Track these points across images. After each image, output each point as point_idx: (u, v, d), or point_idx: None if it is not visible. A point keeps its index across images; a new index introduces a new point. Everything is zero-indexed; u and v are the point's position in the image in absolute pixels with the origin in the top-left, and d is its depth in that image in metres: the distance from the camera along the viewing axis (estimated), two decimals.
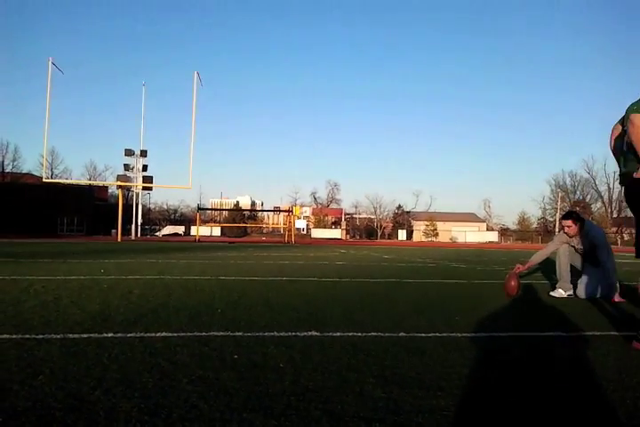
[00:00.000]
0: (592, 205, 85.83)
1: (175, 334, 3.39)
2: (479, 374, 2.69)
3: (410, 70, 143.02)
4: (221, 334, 3.46)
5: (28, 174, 64.24)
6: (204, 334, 3.45)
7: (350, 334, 3.58)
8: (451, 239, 76.49)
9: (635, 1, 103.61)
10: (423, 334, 3.62)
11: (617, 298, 5.88)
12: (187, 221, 79.38)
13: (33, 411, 1.96)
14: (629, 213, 3.74)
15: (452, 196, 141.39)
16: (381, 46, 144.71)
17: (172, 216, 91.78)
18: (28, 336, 3.22)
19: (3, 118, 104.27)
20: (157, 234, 62.44)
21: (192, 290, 5.91)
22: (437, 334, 3.64)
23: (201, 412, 2.00)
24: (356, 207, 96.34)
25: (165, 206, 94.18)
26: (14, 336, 3.22)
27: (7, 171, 64.57)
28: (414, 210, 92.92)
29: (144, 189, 43.93)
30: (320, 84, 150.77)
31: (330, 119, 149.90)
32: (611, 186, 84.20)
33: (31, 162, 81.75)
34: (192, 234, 54.15)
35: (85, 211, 59.09)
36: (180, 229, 68.40)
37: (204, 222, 69.01)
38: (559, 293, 6.23)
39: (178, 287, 6.12)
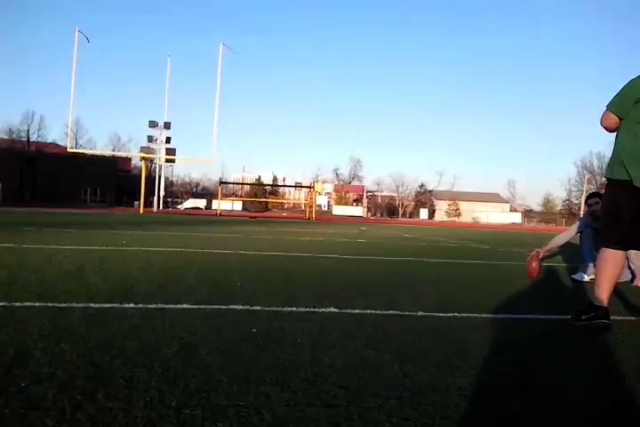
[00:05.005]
0: None
1: (195, 307, 3.42)
2: (496, 354, 2.68)
3: (435, 51, 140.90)
4: (241, 307, 3.48)
5: (53, 144, 64.82)
6: (223, 307, 3.47)
7: (369, 311, 3.58)
8: (473, 220, 76.10)
9: None
10: (442, 314, 3.61)
11: None
12: (208, 194, 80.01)
13: (55, 377, 2.00)
14: None
15: (477, 176, 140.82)
16: (410, 26, 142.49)
17: (194, 189, 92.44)
18: (50, 304, 3.27)
19: (29, 87, 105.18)
20: (179, 207, 62.98)
21: (213, 263, 5.96)
22: (456, 314, 3.62)
23: (219, 383, 2.02)
24: (378, 185, 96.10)
25: (188, 179, 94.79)
26: (37, 304, 3.26)
27: (32, 140, 65.00)
28: (437, 189, 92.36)
29: (167, 161, 44.22)
30: (346, 61, 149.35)
31: (355, 96, 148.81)
32: None
33: (56, 132, 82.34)
34: (214, 208, 54.40)
35: (109, 182, 59.68)
36: (202, 203, 68.84)
37: (225, 196, 69.22)
38: (581, 276, 6.17)
39: (199, 260, 6.17)
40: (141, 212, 32.46)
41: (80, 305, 3.29)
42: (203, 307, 3.43)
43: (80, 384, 1.94)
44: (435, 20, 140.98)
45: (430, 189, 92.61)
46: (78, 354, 2.28)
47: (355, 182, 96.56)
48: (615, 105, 3.56)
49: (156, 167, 51.08)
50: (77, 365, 2.15)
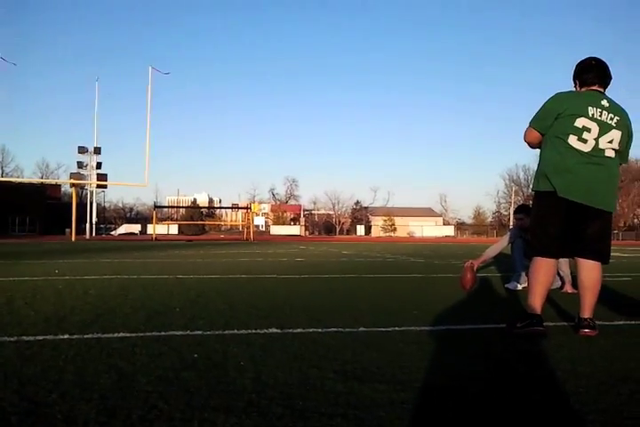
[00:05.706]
0: None
1: (133, 335, 3.35)
2: (437, 366, 2.73)
3: (366, 67, 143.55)
4: (180, 333, 3.43)
5: None
6: (162, 333, 3.41)
7: (311, 330, 3.59)
8: (408, 234, 77.36)
9: None
10: (382, 329, 3.66)
11: (570, 289, 6.03)
12: (143, 219, 78.35)
13: None
14: None
15: (410, 191, 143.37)
16: (332, 40, 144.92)
17: (128, 215, 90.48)
18: None
19: None
20: (113, 233, 61.41)
21: (149, 289, 5.84)
22: (397, 329, 3.68)
23: (161, 412, 1.98)
24: (314, 203, 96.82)
25: (121, 205, 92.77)
26: None
27: None
28: (372, 206, 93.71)
29: (98, 187, 43.05)
30: (277, 81, 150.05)
31: (287, 115, 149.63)
32: None
33: None
34: (149, 233, 53.30)
35: (38, 210, 57.73)
36: (137, 229, 67.27)
37: (160, 221, 67.91)
38: (514, 285, 6.36)
39: (135, 287, 6.04)
40: (73, 240, 31.47)
41: (12, 339, 3.17)
42: (141, 335, 3.36)
43: (15, 422, 1.86)
44: (361, 32, 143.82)
45: (366, 205, 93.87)
46: (12, 390, 2.20)
47: (291, 202, 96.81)
48: (537, 121, 3.72)
49: (87, 194, 49.71)
50: (11, 401, 2.07)
